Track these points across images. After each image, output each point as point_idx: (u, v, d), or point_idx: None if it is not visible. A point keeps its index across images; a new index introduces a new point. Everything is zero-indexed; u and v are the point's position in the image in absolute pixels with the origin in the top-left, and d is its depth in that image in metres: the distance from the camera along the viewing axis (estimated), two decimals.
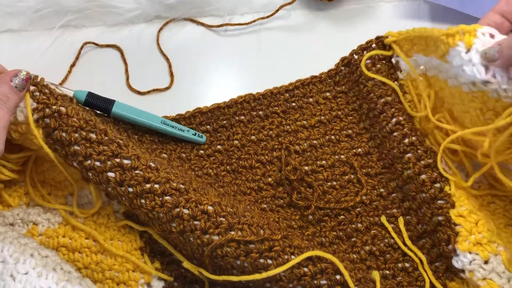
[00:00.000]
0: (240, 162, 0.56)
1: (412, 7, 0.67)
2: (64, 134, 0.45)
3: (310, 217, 0.54)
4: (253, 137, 0.58)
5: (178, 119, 0.58)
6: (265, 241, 0.46)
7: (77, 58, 0.61)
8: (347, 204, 0.54)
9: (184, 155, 0.56)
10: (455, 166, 0.53)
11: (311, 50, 0.63)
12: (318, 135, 0.58)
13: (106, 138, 0.47)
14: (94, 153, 0.46)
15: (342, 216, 0.54)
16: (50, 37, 0.62)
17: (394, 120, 0.54)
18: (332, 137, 0.58)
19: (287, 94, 0.60)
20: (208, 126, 0.58)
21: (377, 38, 0.57)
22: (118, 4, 0.62)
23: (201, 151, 0.57)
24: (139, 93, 0.60)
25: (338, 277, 0.47)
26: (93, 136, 0.46)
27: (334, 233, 0.53)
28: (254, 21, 0.64)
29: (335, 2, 0.66)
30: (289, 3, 0.63)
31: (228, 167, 0.56)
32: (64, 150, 0.46)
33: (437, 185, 0.51)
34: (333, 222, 0.54)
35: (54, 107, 0.46)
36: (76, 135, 0.46)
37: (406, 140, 0.53)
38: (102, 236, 0.50)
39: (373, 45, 0.58)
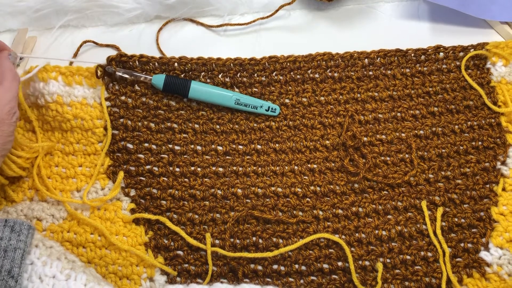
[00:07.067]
0: (303, 120, 0.57)
1: (412, 7, 0.67)
2: (129, 122, 0.55)
3: (356, 185, 0.55)
4: (322, 98, 0.58)
5: (253, 64, 0.58)
6: (280, 224, 0.53)
7: (75, 55, 0.61)
8: (394, 181, 0.55)
9: None
10: None
11: (311, 50, 0.63)
12: (385, 109, 0.58)
13: (163, 126, 0.56)
14: (152, 139, 0.55)
15: (385, 192, 0.55)
16: (50, 37, 0.62)
17: (469, 123, 0.57)
18: (398, 114, 0.58)
19: (366, 61, 0.60)
20: (280, 77, 0.59)
21: (478, 44, 0.61)
22: (118, 4, 0.62)
23: None
24: None
25: (340, 263, 0.51)
26: (152, 125, 0.56)
27: (373, 206, 0.54)
28: (254, 21, 0.64)
29: (335, 2, 0.66)
30: (289, 3, 0.63)
31: (290, 122, 0.57)
32: (126, 133, 0.55)
33: (488, 185, 0.55)
34: (375, 195, 0.55)
35: (122, 97, 0.56)
36: (139, 124, 0.55)
37: (473, 143, 0.56)
38: (108, 230, 0.51)
39: (472, 50, 0.60)
